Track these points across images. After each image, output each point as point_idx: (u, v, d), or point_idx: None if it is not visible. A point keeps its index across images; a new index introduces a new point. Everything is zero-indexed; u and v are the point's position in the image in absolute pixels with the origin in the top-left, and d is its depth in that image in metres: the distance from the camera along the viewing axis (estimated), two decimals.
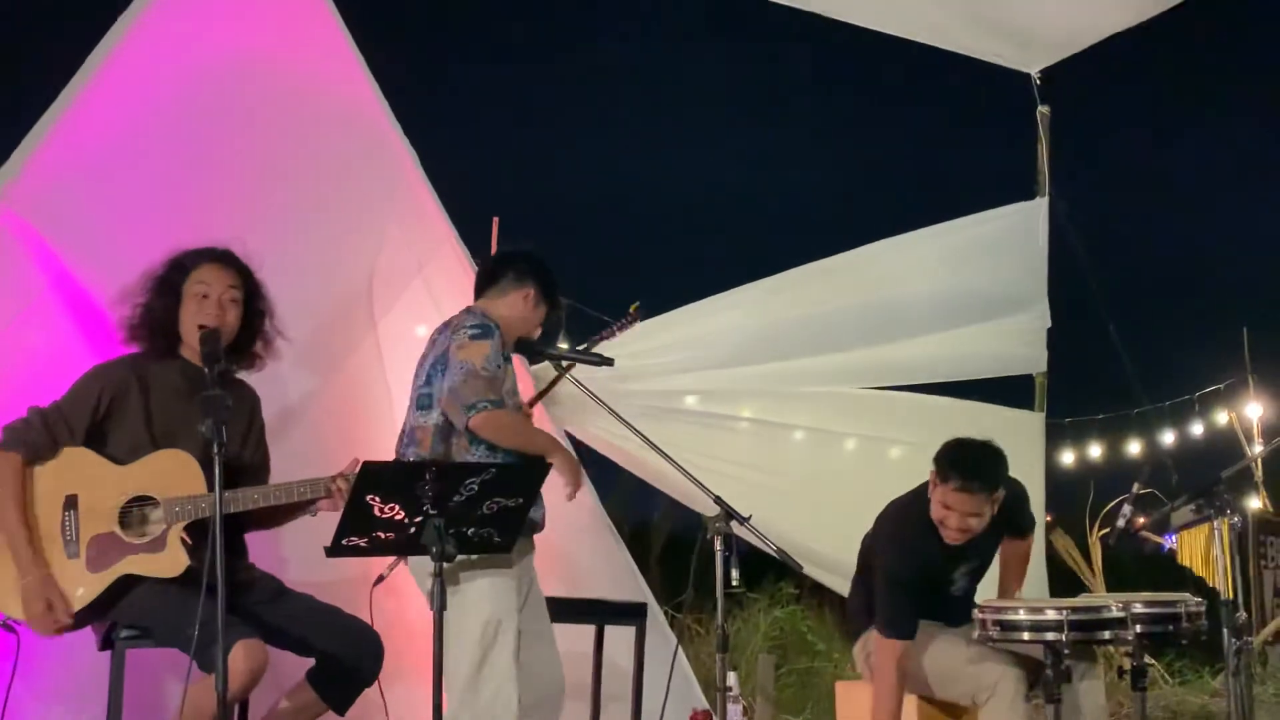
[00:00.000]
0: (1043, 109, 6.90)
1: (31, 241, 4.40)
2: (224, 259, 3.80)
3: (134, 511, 3.57)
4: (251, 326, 3.84)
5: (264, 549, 4.04)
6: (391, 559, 3.91)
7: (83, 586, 3.51)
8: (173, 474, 3.58)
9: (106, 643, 3.59)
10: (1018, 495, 4.39)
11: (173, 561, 3.54)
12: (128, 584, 3.54)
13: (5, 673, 3.64)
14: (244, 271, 3.83)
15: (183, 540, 3.55)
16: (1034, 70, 6.75)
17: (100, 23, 4.62)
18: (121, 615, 3.56)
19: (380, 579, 3.94)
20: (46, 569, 3.49)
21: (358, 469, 3.27)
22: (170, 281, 3.75)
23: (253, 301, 3.83)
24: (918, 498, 4.29)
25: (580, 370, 4.08)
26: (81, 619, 3.56)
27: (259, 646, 3.41)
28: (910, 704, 4.28)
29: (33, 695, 4.08)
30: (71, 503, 3.54)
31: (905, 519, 4.30)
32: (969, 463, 4.11)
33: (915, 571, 4.17)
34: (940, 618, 4.31)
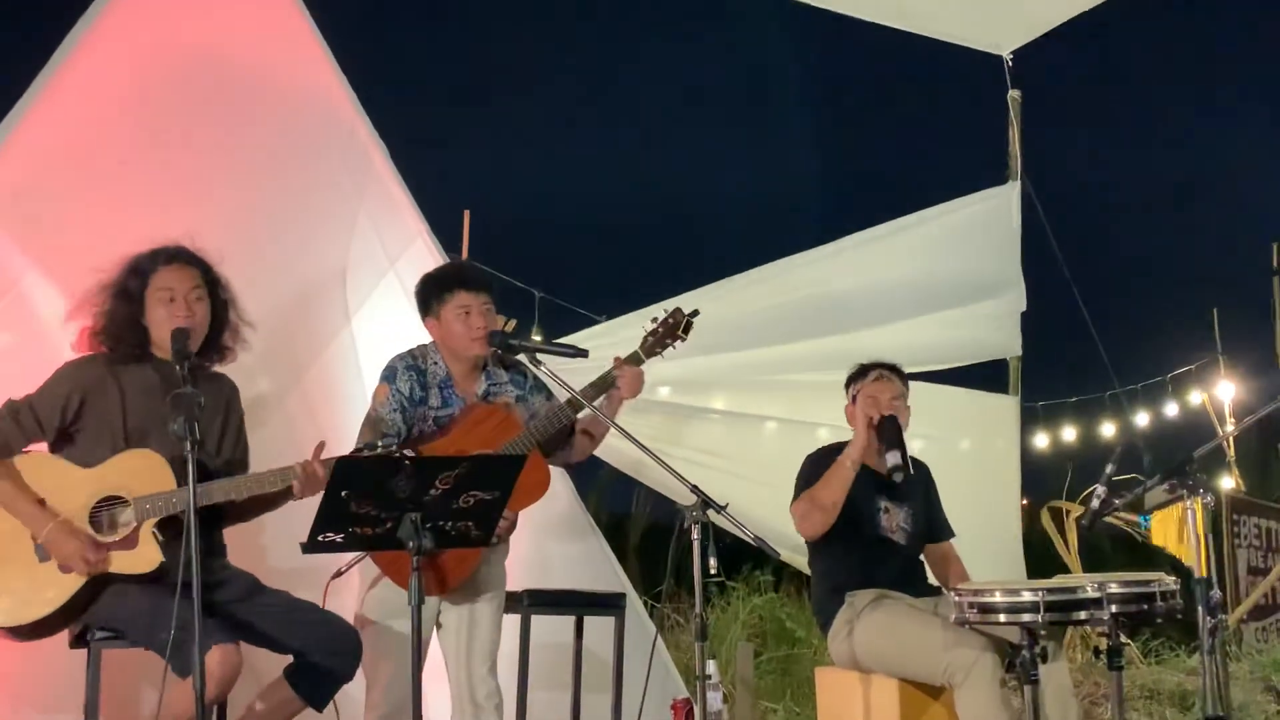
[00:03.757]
0: (1014, 93, 6.93)
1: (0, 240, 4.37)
2: (181, 257, 3.78)
3: (103, 513, 3.54)
4: (218, 319, 3.82)
5: (243, 540, 4.02)
6: (352, 555, 3.89)
7: (54, 588, 3.48)
8: (141, 473, 3.56)
9: (80, 641, 3.57)
10: (928, 481, 4.67)
11: (146, 558, 3.52)
12: (100, 584, 3.51)
13: None
14: (203, 267, 3.81)
15: (155, 536, 3.53)
16: (1005, 53, 6.77)
17: (65, 19, 4.59)
18: (95, 617, 3.54)
19: (338, 573, 3.92)
20: (59, 516, 3.48)
21: (323, 452, 3.25)
22: (130, 288, 3.73)
23: (216, 293, 3.81)
24: (835, 444, 4.59)
25: (554, 362, 4.06)
26: (55, 622, 3.53)
27: (233, 651, 3.40)
28: (891, 685, 4.30)
29: (7, 700, 4.05)
30: (40, 505, 3.51)
31: (824, 450, 4.59)
32: (878, 362, 4.59)
33: (825, 464, 4.41)
34: (891, 576, 4.38)
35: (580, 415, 4.09)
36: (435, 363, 4.02)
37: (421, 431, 3.96)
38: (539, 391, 4.14)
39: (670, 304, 6.01)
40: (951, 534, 4.70)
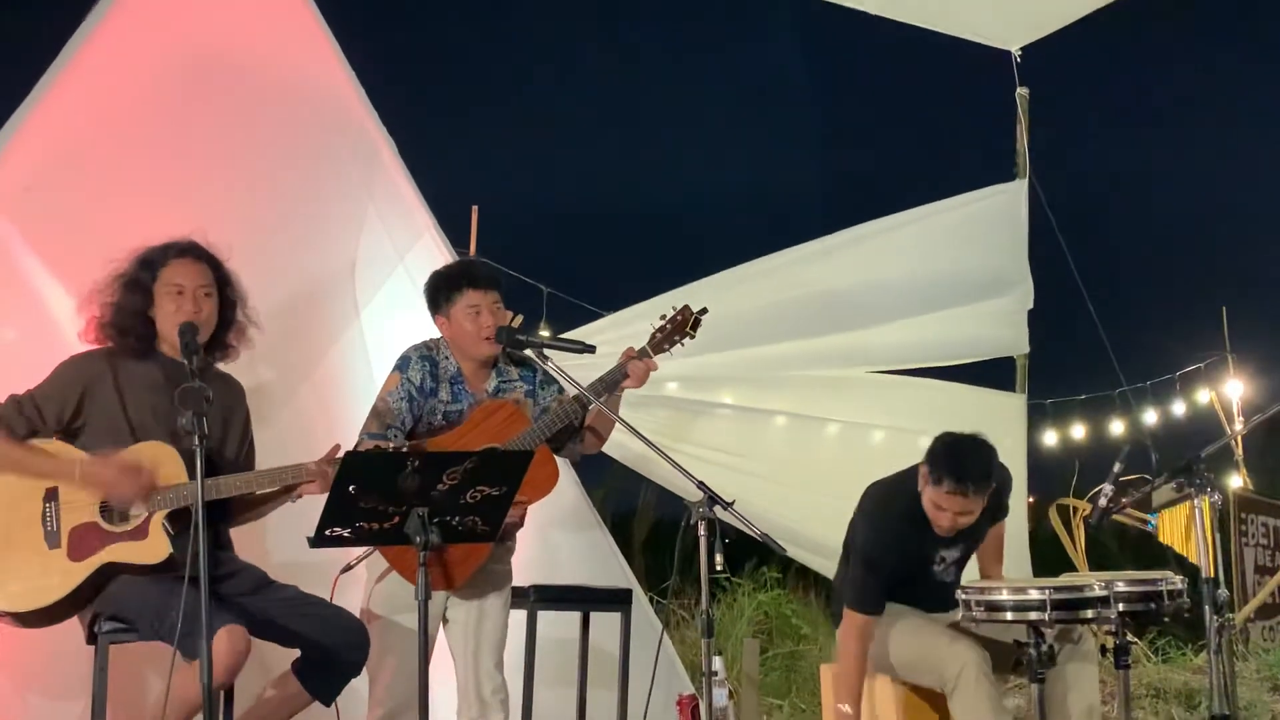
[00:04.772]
0: (1022, 90, 6.92)
1: (5, 236, 4.38)
2: (192, 252, 3.77)
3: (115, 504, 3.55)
4: (225, 317, 3.82)
5: (248, 539, 4.02)
6: (362, 549, 3.89)
7: (62, 575, 3.49)
8: (154, 465, 3.57)
9: (92, 636, 3.58)
10: (1003, 482, 4.44)
11: (155, 548, 3.53)
12: (109, 573, 3.52)
13: None
14: (214, 263, 3.80)
15: (165, 528, 3.53)
16: (1014, 48, 6.76)
17: (74, 14, 4.59)
18: (104, 606, 3.54)
19: (348, 567, 3.92)
20: (81, 458, 3.51)
21: (340, 454, 3.26)
22: (140, 280, 3.72)
23: (224, 292, 3.81)
24: (903, 480, 4.32)
25: (561, 357, 4.06)
26: (64, 609, 3.54)
27: (241, 633, 3.40)
28: (890, 689, 4.30)
29: (14, 690, 4.06)
30: (52, 495, 3.53)
31: (888, 500, 4.34)
32: (963, 466, 4.11)
33: (889, 551, 4.23)
34: (924, 602, 4.33)
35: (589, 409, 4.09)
36: (446, 358, 4.02)
37: (431, 425, 3.96)
38: (549, 386, 4.14)
39: (677, 296, 6.05)
40: (1006, 513, 4.57)
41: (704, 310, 4.13)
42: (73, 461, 3.53)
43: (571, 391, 4.03)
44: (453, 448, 3.78)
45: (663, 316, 4.12)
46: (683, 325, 4.10)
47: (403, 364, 3.98)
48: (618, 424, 3.99)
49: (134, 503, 3.51)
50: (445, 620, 4.00)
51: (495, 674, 3.99)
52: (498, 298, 4.03)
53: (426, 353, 4.01)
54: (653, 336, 4.10)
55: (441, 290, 4.04)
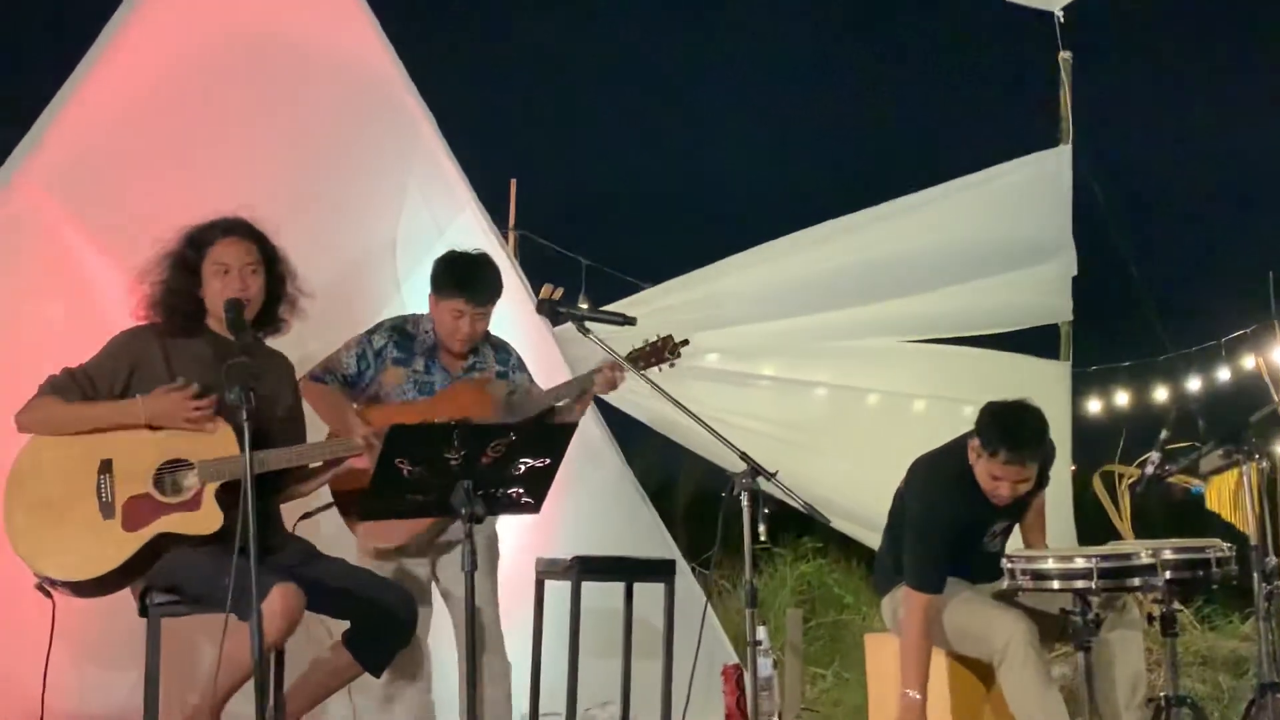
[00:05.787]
0: (1064, 54, 6.83)
1: (52, 213, 4.43)
2: (238, 230, 3.79)
3: (167, 476, 3.60)
4: (274, 292, 3.85)
5: (296, 515, 4.07)
6: (321, 501, 3.96)
7: (116, 546, 3.54)
8: (205, 438, 3.61)
9: (144, 609, 3.63)
10: (1049, 452, 4.39)
11: (209, 519, 3.57)
12: (163, 545, 3.57)
13: (44, 638, 3.68)
14: (260, 239, 3.83)
15: (217, 500, 3.58)
16: (1056, 8, 6.66)
17: None
18: (156, 577, 3.59)
19: (306, 515, 3.96)
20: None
21: (387, 425, 3.29)
22: (187, 259, 3.76)
23: (273, 267, 3.84)
24: (950, 453, 4.29)
25: (603, 329, 4.08)
26: (117, 579, 3.59)
27: (295, 592, 3.42)
28: (941, 661, 4.29)
29: (70, 660, 4.13)
30: (106, 466, 3.58)
31: (937, 475, 4.31)
32: (1017, 434, 4.08)
33: (944, 527, 4.20)
34: (973, 574, 4.32)
35: (561, 404, 4.16)
36: (426, 332, 4.12)
37: (403, 393, 4.05)
38: (521, 370, 4.19)
39: (719, 269, 6.04)
40: (1047, 483, 4.50)
41: (685, 341, 4.24)
42: (134, 402, 3.60)
43: (601, 361, 4.08)
44: (417, 418, 3.84)
45: (646, 341, 4.21)
46: (661, 350, 4.19)
47: (374, 328, 4.12)
48: (660, 395, 4.01)
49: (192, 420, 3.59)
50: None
51: (490, 628, 4.01)
52: (487, 313, 4.10)
53: (399, 323, 4.13)
54: (632, 351, 4.16)
55: (440, 278, 4.10)
